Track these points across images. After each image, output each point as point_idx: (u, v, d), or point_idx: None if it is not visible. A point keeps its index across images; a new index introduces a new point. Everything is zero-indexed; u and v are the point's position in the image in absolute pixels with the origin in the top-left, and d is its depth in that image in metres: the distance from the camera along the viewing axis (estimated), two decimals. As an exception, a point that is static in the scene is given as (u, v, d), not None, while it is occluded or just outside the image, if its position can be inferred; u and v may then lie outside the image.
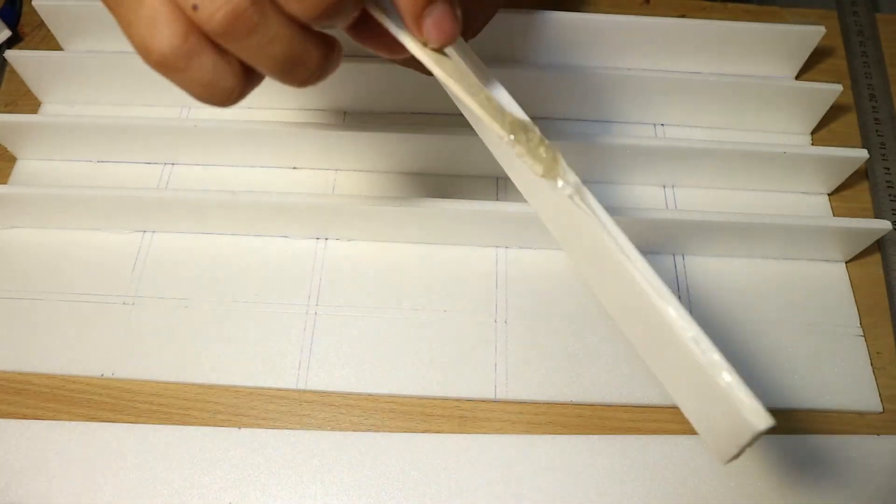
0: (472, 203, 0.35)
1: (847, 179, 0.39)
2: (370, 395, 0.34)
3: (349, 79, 0.40)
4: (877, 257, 0.38)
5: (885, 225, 0.35)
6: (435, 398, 0.34)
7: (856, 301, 0.37)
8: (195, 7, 0.18)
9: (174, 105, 0.42)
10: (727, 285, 0.37)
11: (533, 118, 0.23)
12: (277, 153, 0.39)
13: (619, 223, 0.22)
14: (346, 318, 0.36)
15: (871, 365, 0.35)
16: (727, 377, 0.20)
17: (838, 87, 0.38)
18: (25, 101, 0.42)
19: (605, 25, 0.39)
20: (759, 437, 0.19)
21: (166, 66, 0.19)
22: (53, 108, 0.42)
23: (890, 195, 0.40)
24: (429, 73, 0.23)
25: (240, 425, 0.33)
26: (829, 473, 0.32)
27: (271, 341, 0.35)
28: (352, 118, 0.42)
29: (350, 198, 0.35)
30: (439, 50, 0.22)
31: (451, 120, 0.41)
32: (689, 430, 0.33)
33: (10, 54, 0.39)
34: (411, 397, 0.34)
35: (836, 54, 0.45)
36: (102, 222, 0.38)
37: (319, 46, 0.20)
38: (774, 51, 0.41)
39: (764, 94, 0.39)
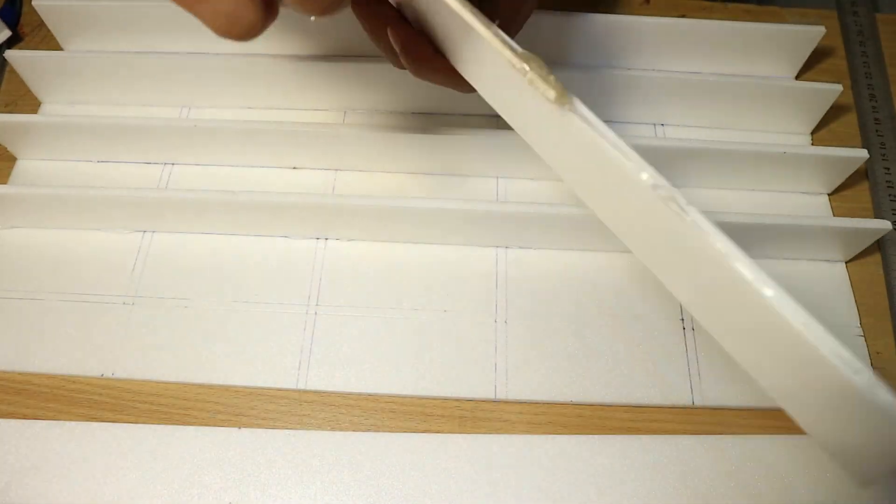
0: (472, 203, 0.35)
1: (847, 179, 0.39)
2: (370, 395, 0.34)
3: (349, 79, 0.40)
4: (877, 257, 0.38)
5: (885, 225, 0.35)
6: (435, 398, 0.34)
7: (856, 301, 0.37)
8: None
9: (174, 105, 0.42)
10: (727, 285, 0.37)
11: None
12: (277, 153, 0.39)
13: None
14: (346, 318, 0.36)
15: (871, 365, 0.35)
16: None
17: (838, 87, 0.38)
18: (25, 101, 0.42)
19: (605, 25, 0.39)
20: None
21: None
22: (53, 108, 0.42)
23: (890, 195, 0.40)
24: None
25: (240, 425, 0.33)
26: (829, 473, 0.32)
27: (271, 341, 0.35)
28: (352, 118, 0.42)
29: (350, 198, 0.35)
30: None
31: (452, 120, 0.41)
32: (689, 430, 0.34)
33: (10, 54, 0.39)
34: (411, 397, 0.34)
35: (836, 54, 0.45)
36: (102, 222, 0.38)
37: None
38: (774, 51, 0.41)
39: (764, 94, 0.39)
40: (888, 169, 0.41)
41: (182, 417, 0.34)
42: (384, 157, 0.39)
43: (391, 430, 0.33)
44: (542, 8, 0.38)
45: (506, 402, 0.34)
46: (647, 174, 0.21)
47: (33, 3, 0.39)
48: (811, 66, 0.44)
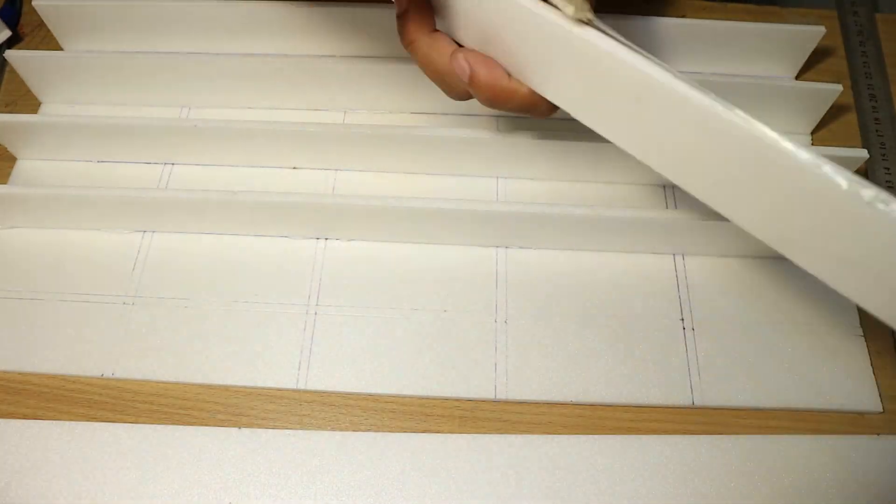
0: (472, 203, 0.35)
1: (847, 179, 0.39)
2: (370, 395, 0.34)
3: (349, 79, 0.40)
4: (877, 257, 0.38)
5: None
6: (435, 398, 0.34)
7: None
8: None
9: (174, 105, 0.42)
10: (727, 285, 0.37)
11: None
12: (277, 153, 0.39)
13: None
14: (346, 318, 0.36)
15: (871, 365, 0.35)
16: None
17: (838, 87, 0.38)
18: (25, 101, 0.42)
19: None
20: None
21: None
22: (53, 108, 0.42)
23: (890, 195, 0.40)
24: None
25: (239, 425, 0.33)
26: (829, 473, 0.32)
27: (271, 341, 0.35)
28: (352, 118, 0.42)
29: (350, 198, 0.35)
30: None
31: (452, 120, 0.41)
32: (689, 430, 0.34)
33: (10, 54, 0.39)
34: (411, 397, 0.34)
35: (836, 54, 0.45)
36: (102, 222, 0.38)
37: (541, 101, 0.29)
38: (774, 51, 0.41)
39: (764, 94, 0.39)
40: (888, 169, 0.41)
41: (182, 417, 0.34)
42: (384, 157, 0.39)
43: (391, 430, 0.33)
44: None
45: (506, 402, 0.34)
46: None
47: (33, 3, 0.39)
48: (811, 66, 0.44)
